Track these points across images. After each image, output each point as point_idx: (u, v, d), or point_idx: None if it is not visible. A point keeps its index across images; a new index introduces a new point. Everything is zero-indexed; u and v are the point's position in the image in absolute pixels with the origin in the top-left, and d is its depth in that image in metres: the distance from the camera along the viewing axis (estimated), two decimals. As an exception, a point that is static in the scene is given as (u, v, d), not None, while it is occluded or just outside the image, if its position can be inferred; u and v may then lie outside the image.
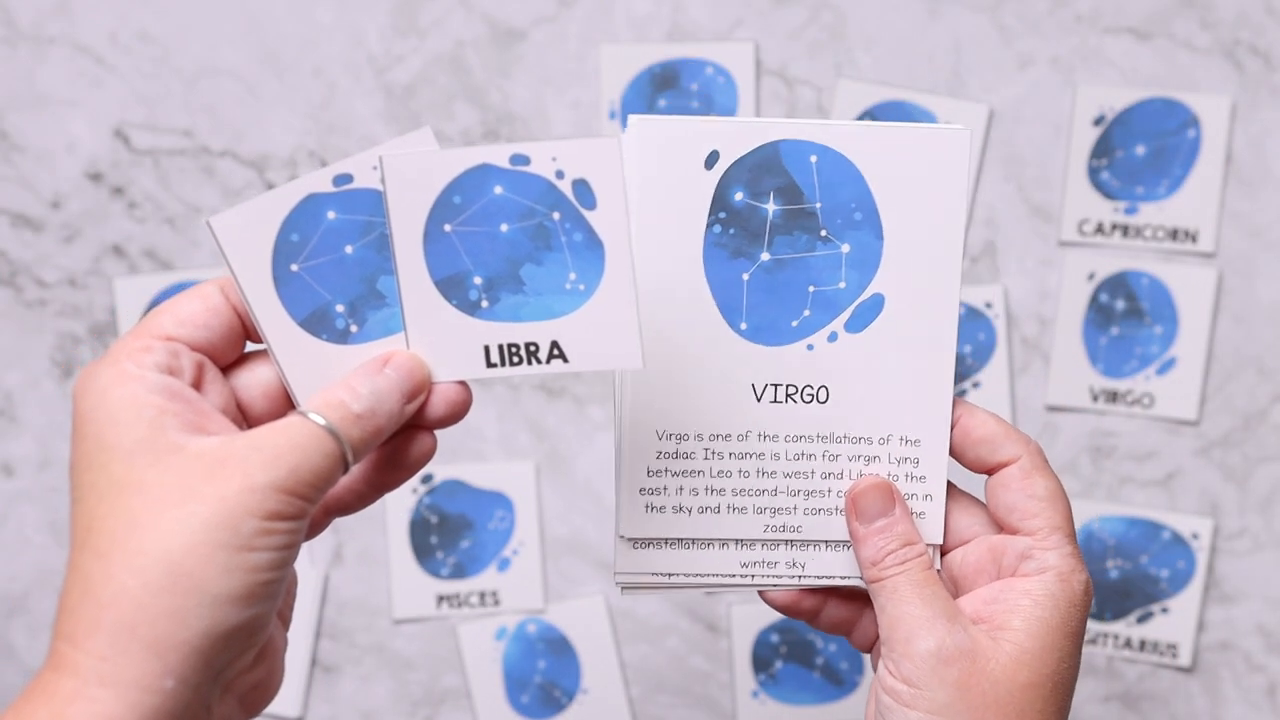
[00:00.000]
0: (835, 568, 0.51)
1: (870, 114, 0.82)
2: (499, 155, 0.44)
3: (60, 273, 0.84)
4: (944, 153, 0.49)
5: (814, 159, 0.49)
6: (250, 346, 0.46)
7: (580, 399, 0.84)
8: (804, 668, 0.84)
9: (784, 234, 0.49)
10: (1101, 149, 0.82)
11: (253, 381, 0.45)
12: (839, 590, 0.53)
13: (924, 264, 0.50)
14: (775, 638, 0.84)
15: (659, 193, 0.49)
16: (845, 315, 0.50)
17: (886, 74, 0.82)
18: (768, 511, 0.51)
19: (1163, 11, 0.81)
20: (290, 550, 0.40)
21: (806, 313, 0.50)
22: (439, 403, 0.45)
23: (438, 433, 0.47)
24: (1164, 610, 0.83)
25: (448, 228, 0.45)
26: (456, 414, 0.46)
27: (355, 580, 0.85)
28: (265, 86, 0.83)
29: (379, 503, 0.84)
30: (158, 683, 0.38)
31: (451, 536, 0.84)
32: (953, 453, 0.51)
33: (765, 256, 0.49)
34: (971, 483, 0.52)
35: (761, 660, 0.84)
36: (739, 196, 0.49)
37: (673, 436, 0.50)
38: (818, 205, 0.49)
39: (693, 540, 0.51)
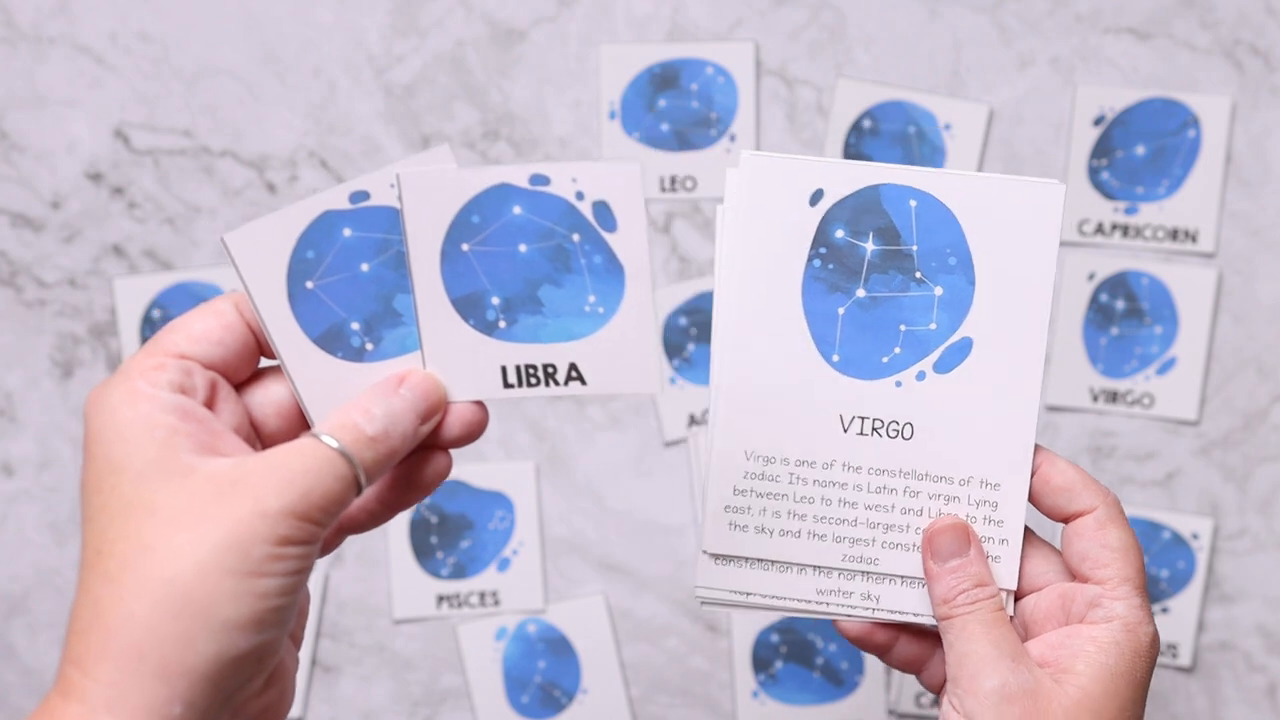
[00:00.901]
0: (908, 604, 0.52)
1: (870, 114, 0.82)
2: (518, 175, 0.44)
3: (60, 273, 0.84)
4: (1037, 204, 0.50)
5: (913, 203, 0.50)
6: (265, 363, 0.46)
7: (580, 399, 0.84)
8: (804, 668, 0.84)
9: (880, 273, 0.51)
10: (1101, 149, 0.82)
11: (266, 399, 0.45)
12: (911, 626, 0.54)
13: (1013, 311, 0.51)
14: (775, 638, 0.84)
15: (765, 224, 0.51)
16: (935, 355, 0.51)
17: (886, 74, 0.82)
18: (846, 541, 0.52)
19: (1163, 11, 0.81)
20: (301, 575, 0.40)
21: (897, 350, 0.51)
22: (455, 423, 0.45)
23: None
24: (1164, 610, 0.83)
25: (465, 247, 0.44)
26: (472, 434, 0.45)
27: (355, 580, 0.85)
28: (265, 86, 0.83)
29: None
30: (165, 709, 0.38)
31: (451, 536, 0.84)
32: (1031, 499, 0.52)
33: (861, 293, 0.51)
34: (1047, 529, 0.53)
35: (761, 660, 0.84)
36: (840, 234, 0.51)
37: (760, 458, 0.52)
38: (914, 248, 0.51)
39: (772, 562, 0.52)
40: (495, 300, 0.45)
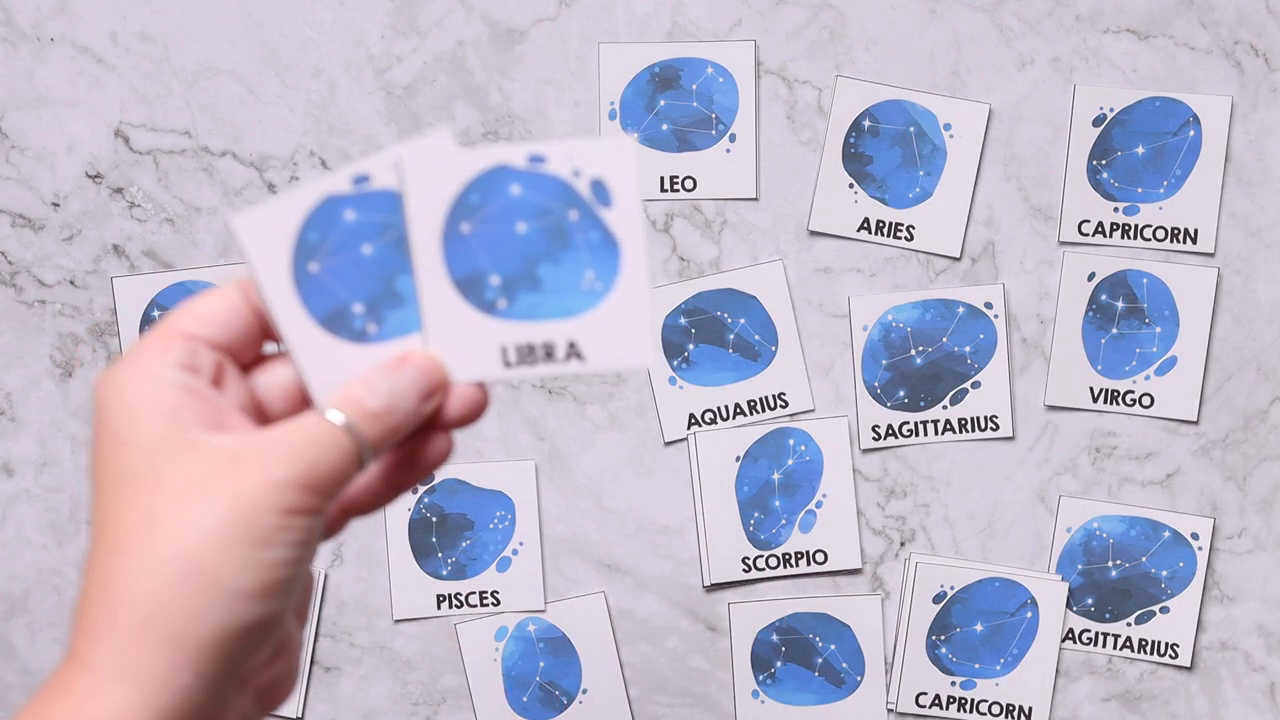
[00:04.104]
0: None
1: (870, 114, 0.82)
2: (516, 155, 0.44)
3: (60, 273, 0.84)
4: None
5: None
6: (271, 349, 0.46)
7: (580, 399, 0.84)
8: (804, 668, 0.84)
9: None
10: (1101, 149, 0.82)
11: (272, 382, 0.45)
12: None
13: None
14: (775, 638, 0.84)
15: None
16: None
17: (886, 74, 0.82)
18: None
19: (1163, 11, 0.81)
20: (307, 546, 0.41)
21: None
22: (456, 403, 0.45)
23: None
24: (1164, 610, 0.83)
25: (465, 227, 0.44)
26: (473, 415, 0.46)
27: (355, 580, 0.85)
28: (265, 86, 0.83)
29: (379, 503, 0.84)
30: (174, 678, 0.38)
31: (451, 536, 0.84)
32: None
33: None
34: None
35: (761, 660, 0.84)
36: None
37: None
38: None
39: None
40: (495, 280, 0.45)
